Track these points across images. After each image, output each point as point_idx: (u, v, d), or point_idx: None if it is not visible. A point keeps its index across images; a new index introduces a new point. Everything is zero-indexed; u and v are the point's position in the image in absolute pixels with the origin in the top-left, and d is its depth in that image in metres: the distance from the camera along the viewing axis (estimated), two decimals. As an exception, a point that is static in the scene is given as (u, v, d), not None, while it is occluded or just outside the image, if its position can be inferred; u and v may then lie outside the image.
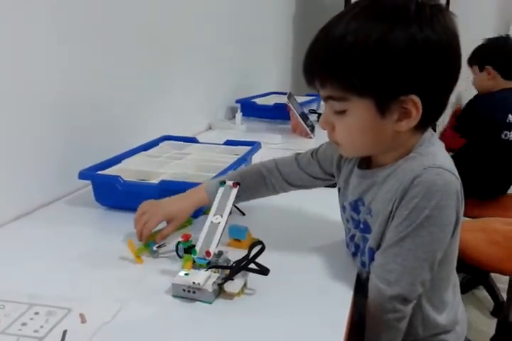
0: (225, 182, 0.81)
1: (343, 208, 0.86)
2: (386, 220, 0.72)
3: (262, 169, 0.95)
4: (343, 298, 0.73)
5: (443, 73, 0.66)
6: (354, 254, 0.83)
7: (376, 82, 0.64)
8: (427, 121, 0.70)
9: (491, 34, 3.68)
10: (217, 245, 0.73)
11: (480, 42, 1.99)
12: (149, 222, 0.86)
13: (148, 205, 0.90)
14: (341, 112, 0.69)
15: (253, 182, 0.94)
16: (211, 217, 0.76)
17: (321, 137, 1.80)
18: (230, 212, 0.77)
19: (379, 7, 0.65)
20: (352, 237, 0.83)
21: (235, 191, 0.79)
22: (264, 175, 0.94)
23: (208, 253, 0.72)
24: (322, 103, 2.33)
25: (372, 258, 0.76)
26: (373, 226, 0.76)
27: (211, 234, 0.74)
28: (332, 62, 0.65)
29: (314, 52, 0.68)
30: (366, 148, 0.74)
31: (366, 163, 0.79)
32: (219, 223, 0.75)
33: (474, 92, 2.07)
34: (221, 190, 0.81)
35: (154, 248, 0.83)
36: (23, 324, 0.64)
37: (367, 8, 0.66)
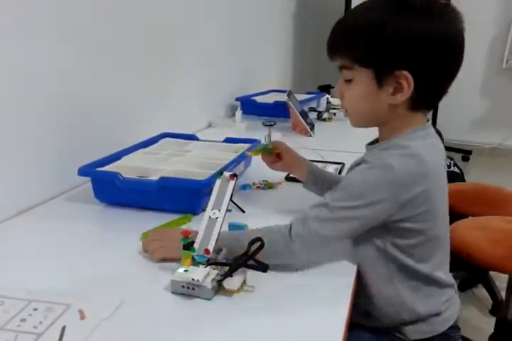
0: (222, 174, 0.78)
1: None
2: None
3: None
4: (343, 294, 0.73)
5: (436, 57, 0.75)
6: None
7: (374, 56, 0.76)
8: (421, 102, 0.79)
9: (492, 33, 3.71)
10: (216, 241, 0.73)
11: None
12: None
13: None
14: (349, 81, 0.81)
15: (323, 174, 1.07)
16: (209, 212, 0.75)
17: (320, 135, 1.81)
18: (228, 206, 0.75)
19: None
20: None
21: (232, 183, 0.76)
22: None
23: (207, 251, 0.72)
24: (322, 101, 2.33)
25: None
26: None
27: (210, 230, 0.73)
28: (344, 37, 0.80)
29: (333, 31, 0.82)
30: (366, 116, 0.84)
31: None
32: (217, 218, 0.74)
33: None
34: (218, 182, 0.78)
35: None
36: (22, 320, 0.65)
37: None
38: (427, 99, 0.80)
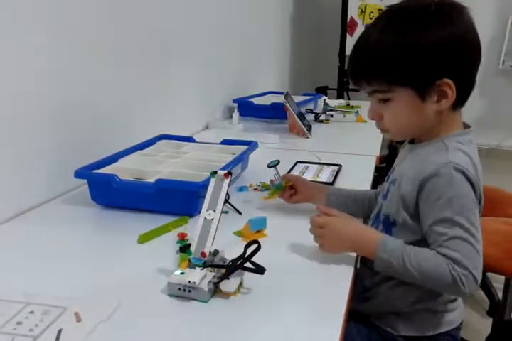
0: (216, 173, 0.77)
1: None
2: (404, 196, 0.80)
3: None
4: (340, 297, 0.73)
5: (466, 58, 0.77)
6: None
7: (413, 74, 0.76)
8: (461, 99, 0.80)
9: (488, 35, 3.71)
10: (212, 243, 0.73)
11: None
12: None
13: None
14: (387, 100, 0.80)
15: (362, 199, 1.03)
16: (204, 213, 0.74)
17: (317, 137, 1.82)
18: (223, 205, 0.75)
19: (403, 13, 0.78)
20: (379, 212, 0.89)
21: (226, 182, 0.75)
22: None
23: (203, 254, 0.72)
24: (319, 103, 2.33)
25: (387, 227, 0.84)
26: (391, 194, 0.85)
27: (205, 232, 0.73)
28: (374, 63, 0.78)
29: (357, 59, 0.81)
30: (413, 129, 0.84)
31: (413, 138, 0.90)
32: (212, 219, 0.74)
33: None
34: (212, 181, 0.77)
35: None
36: (18, 323, 0.64)
37: (394, 15, 0.79)
38: (465, 96, 0.81)
